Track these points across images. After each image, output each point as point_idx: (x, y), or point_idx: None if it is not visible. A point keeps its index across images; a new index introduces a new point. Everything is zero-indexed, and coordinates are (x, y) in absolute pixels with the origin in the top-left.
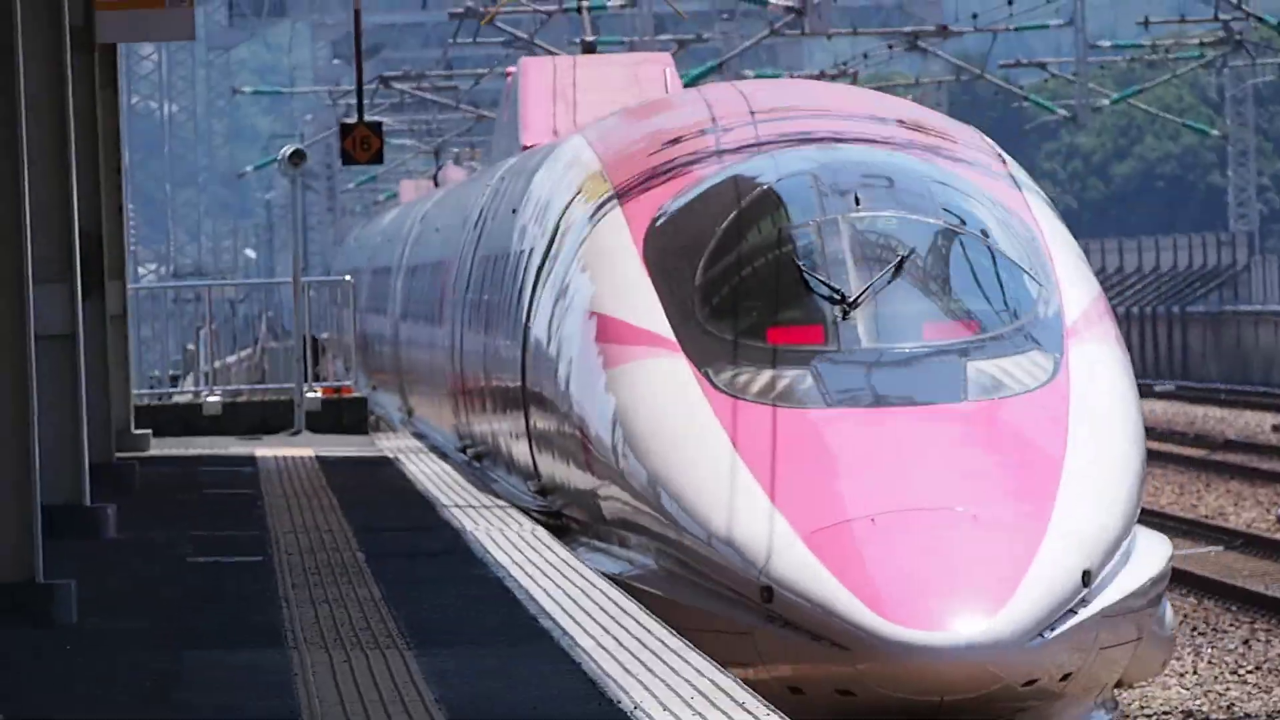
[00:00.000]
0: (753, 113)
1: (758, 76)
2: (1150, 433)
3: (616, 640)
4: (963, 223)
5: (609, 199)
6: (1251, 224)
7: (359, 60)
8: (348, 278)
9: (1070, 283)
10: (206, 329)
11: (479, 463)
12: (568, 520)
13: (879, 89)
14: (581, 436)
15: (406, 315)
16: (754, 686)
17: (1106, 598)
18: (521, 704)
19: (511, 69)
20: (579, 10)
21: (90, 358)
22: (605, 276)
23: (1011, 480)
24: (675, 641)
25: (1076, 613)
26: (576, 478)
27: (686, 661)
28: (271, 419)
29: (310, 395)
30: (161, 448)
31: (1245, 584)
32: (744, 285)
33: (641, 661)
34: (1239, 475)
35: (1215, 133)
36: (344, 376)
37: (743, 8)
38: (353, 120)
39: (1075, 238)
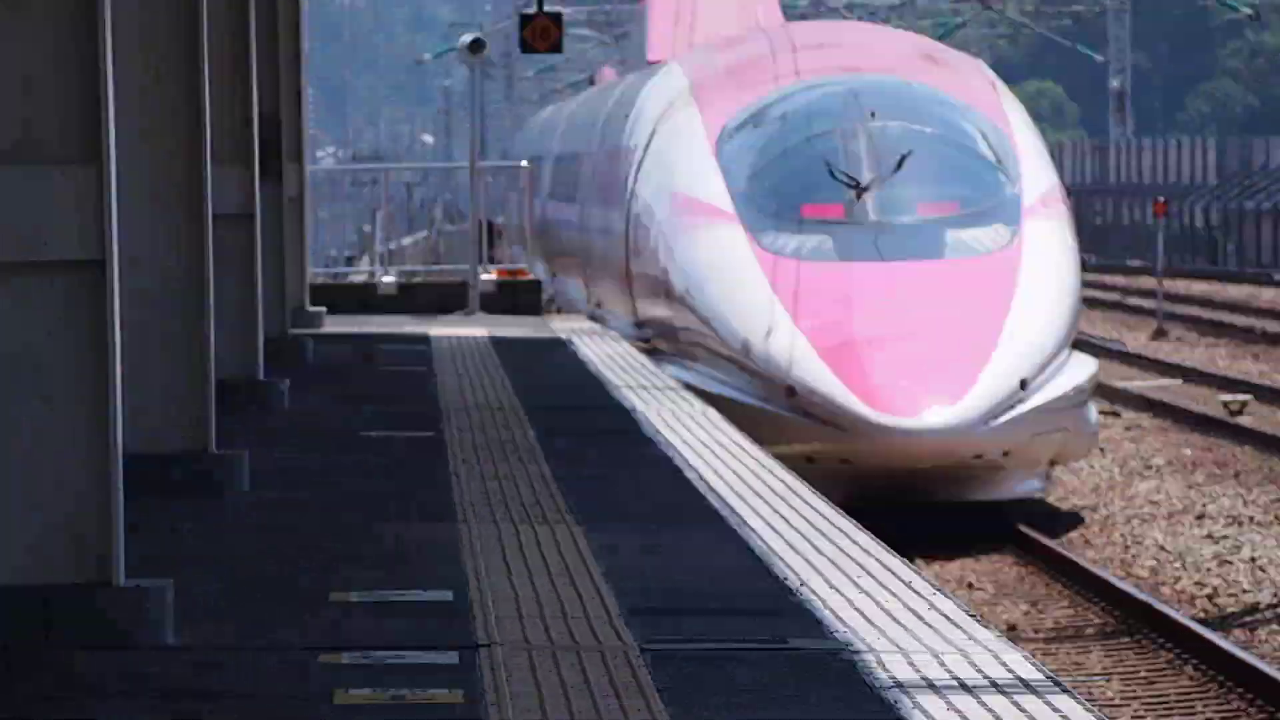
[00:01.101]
0: (803, 47)
1: None
2: None
3: (785, 519)
4: (953, 131)
5: (692, 110)
6: None
7: None
8: (524, 163)
9: (1031, 175)
10: (383, 211)
11: (600, 308)
12: (655, 345)
13: None
14: (665, 282)
15: (556, 197)
16: (780, 458)
17: (1038, 399)
18: (688, 579)
19: None
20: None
21: (267, 237)
22: (685, 166)
23: (971, 314)
24: (844, 521)
25: (1014, 408)
26: (661, 313)
27: (854, 541)
28: (446, 300)
29: (485, 277)
30: (336, 325)
31: None
32: (786, 174)
33: (809, 540)
34: None
35: None
36: (519, 260)
37: None
38: (532, 10)
39: (1258, 134)
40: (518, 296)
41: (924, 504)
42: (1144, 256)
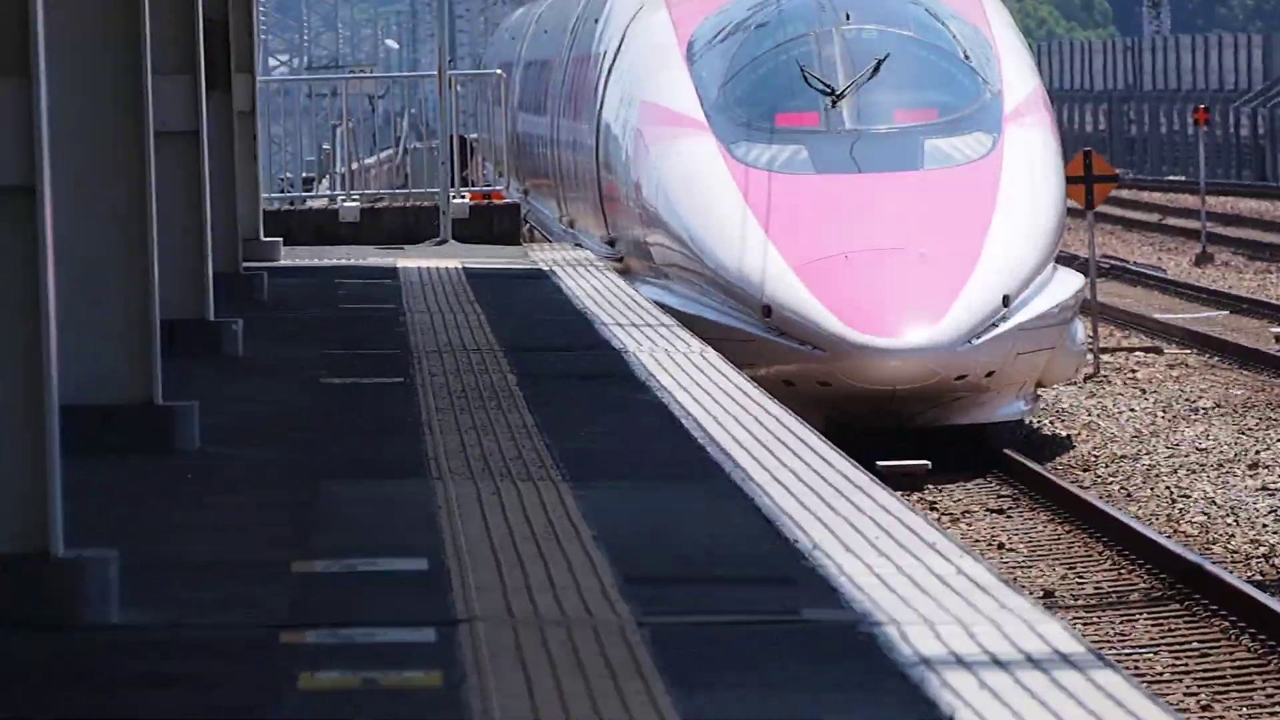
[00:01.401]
0: None
1: None
2: None
3: (794, 474)
4: (931, 35)
5: (662, 13)
6: None
7: None
8: (499, 71)
9: (1012, 81)
10: (343, 127)
11: (572, 228)
12: (628, 263)
13: None
14: (636, 196)
15: (527, 109)
16: (757, 381)
17: (1022, 316)
18: (689, 542)
19: None
20: None
21: (215, 158)
22: (655, 73)
23: (951, 227)
24: (860, 476)
25: (998, 326)
26: (633, 229)
27: (871, 498)
28: (414, 227)
29: (457, 201)
30: (293, 258)
31: None
32: (759, 81)
33: (822, 498)
34: None
35: None
36: (495, 181)
37: None
38: None
39: None
40: (494, 222)
41: (905, 428)
42: (1185, 171)
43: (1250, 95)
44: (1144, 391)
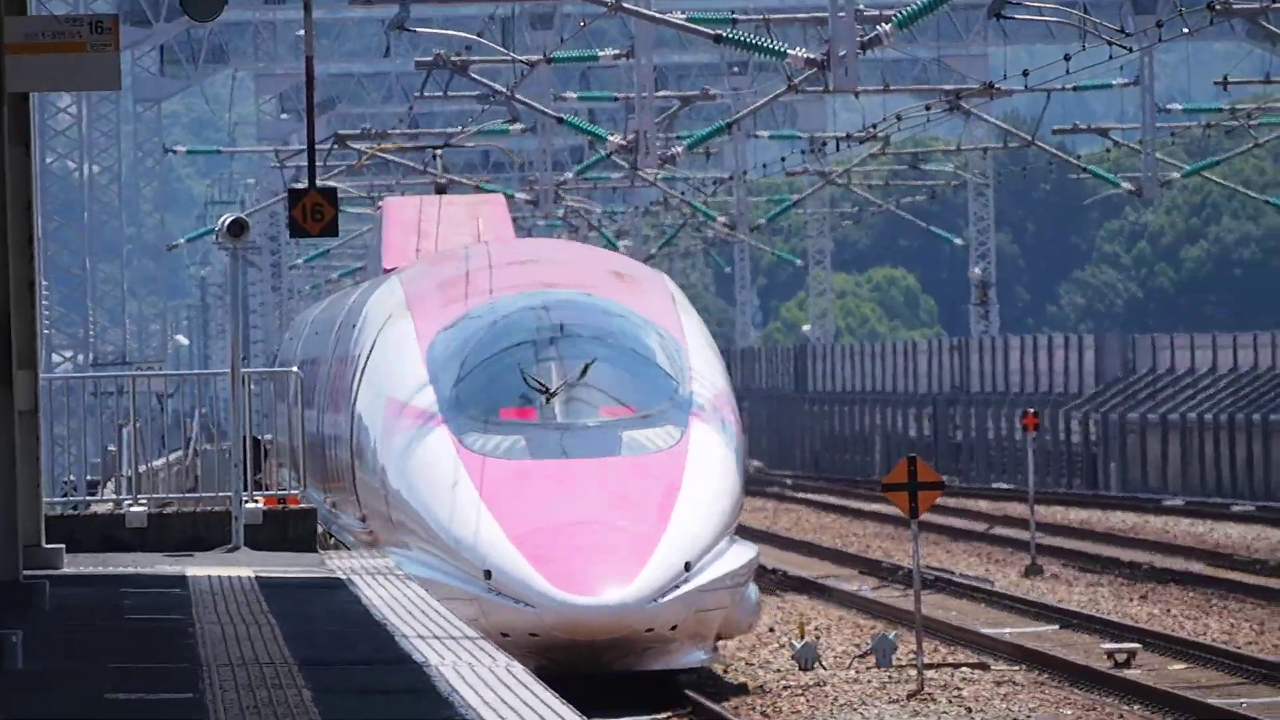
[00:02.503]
0: (506, 264)
1: (773, 138)
2: (1226, 560)
3: None
4: (632, 342)
5: (407, 322)
6: None
7: (311, 116)
8: (295, 370)
9: (700, 382)
10: (130, 427)
11: (333, 510)
12: (375, 535)
13: (914, 155)
14: (383, 478)
15: (311, 407)
16: (479, 632)
17: (701, 579)
18: None
19: (381, 204)
20: (434, 156)
21: None
22: (399, 373)
23: (643, 505)
24: None
25: (679, 588)
26: (381, 507)
27: None
28: (205, 533)
29: (250, 506)
30: (77, 565)
31: None
32: (486, 382)
33: None
34: None
35: None
36: (290, 485)
37: (756, 60)
38: (303, 185)
39: (1142, 330)
40: (289, 528)
41: (605, 672)
42: (1013, 478)
43: (1081, 399)
44: (970, 710)
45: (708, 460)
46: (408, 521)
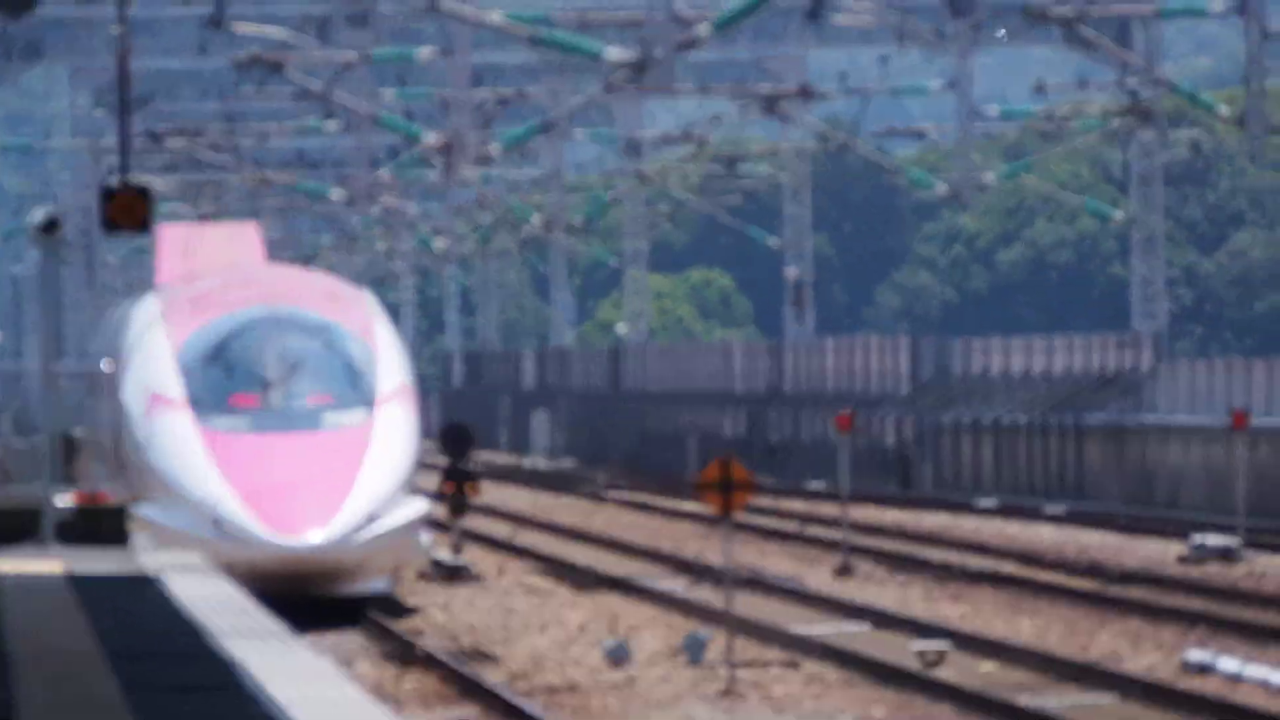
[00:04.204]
0: (240, 285)
1: (592, 139)
2: (1037, 561)
3: None
4: (333, 347)
5: (161, 330)
6: (1158, 323)
7: (125, 112)
8: (105, 364)
9: (385, 377)
10: None
11: (109, 483)
12: (137, 495)
13: (730, 159)
14: (141, 452)
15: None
16: (211, 568)
17: (380, 527)
18: None
19: (156, 228)
20: (201, 217)
21: None
22: (155, 371)
23: (337, 469)
24: None
25: (363, 531)
26: (138, 476)
27: None
28: (15, 529)
29: (61, 502)
30: None
31: None
32: (221, 375)
33: None
34: (1138, 612)
35: (1119, 215)
36: (102, 481)
37: (573, 60)
38: (117, 181)
39: (959, 333)
40: (101, 524)
41: (306, 597)
42: (827, 478)
43: (896, 400)
44: (780, 710)
45: (388, 436)
46: (158, 484)
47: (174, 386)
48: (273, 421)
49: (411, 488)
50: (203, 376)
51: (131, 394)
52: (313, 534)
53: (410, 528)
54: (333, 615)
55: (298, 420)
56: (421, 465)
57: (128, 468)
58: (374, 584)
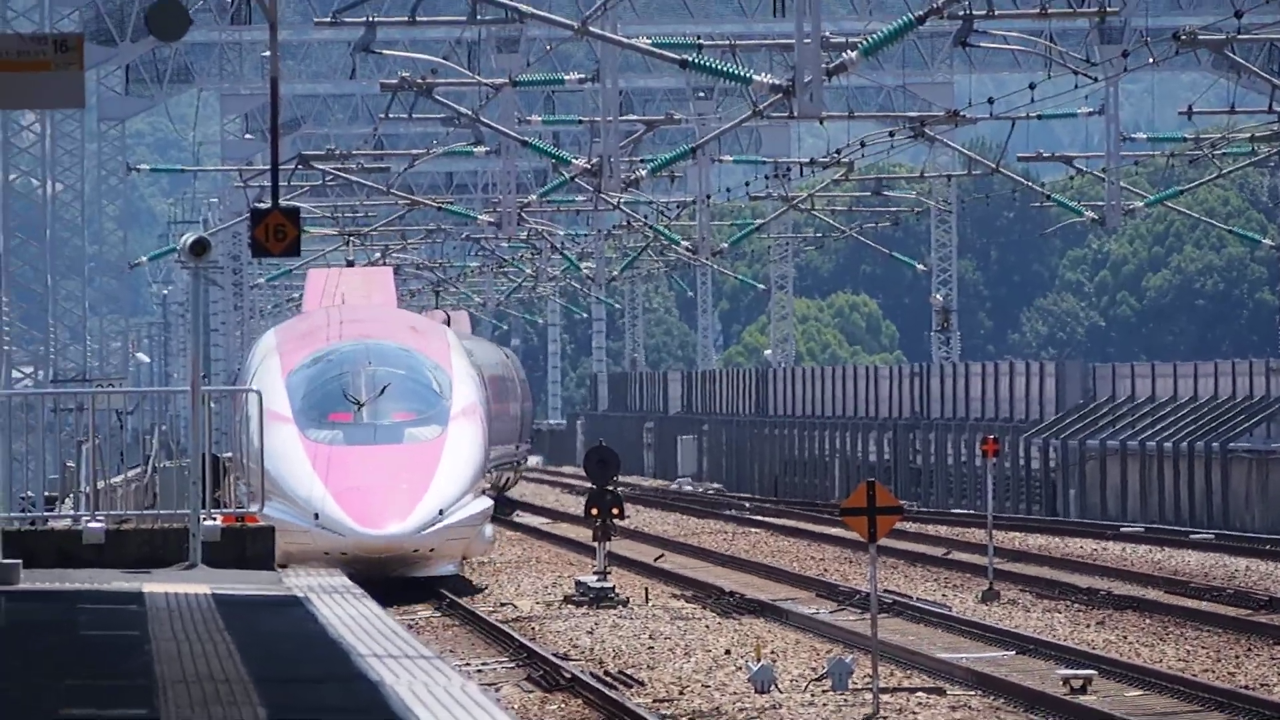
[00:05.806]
0: (341, 322)
1: (738, 163)
2: (1183, 587)
3: None
4: (414, 372)
5: (275, 358)
6: None
7: (275, 136)
8: (255, 388)
9: (458, 398)
10: (89, 444)
11: (245, 488)
12: (256, 494)
13: (878, 181)
14: (260, 458)
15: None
16: (311, 556)
17: (450, 520)
18: None
19: (307, 272)
20: (347, 240)
21: None
22: (270, 391)
23: (414, 473)
24: None
25: (435, 525)
26: (258, 477)
27: None
28: (162, 550)
29: (208, 524)
30: (33, 581)
31: None
32: (321, 397)
33: None
34: None
35: (1267, 242)
36: (248, 503)
37: (722, 85)
38: (266, 205)
39: (1103, 358)
40: (247, 546)
41: (389, 577)
42: (972, 504)
43: (1041, 426)
44: None
45: (458, 447)
46: (273, 485)
47: (283, 404)
48: (362, 435)
49: (478, 490)
50: (306, 397)
51: (253, 411)
52: (393, 527)
53: (474, 522)
54: (412, 589)
55: (383, 434)
56: (523, 479)
57: (251, 471)
58: (444, 568)
